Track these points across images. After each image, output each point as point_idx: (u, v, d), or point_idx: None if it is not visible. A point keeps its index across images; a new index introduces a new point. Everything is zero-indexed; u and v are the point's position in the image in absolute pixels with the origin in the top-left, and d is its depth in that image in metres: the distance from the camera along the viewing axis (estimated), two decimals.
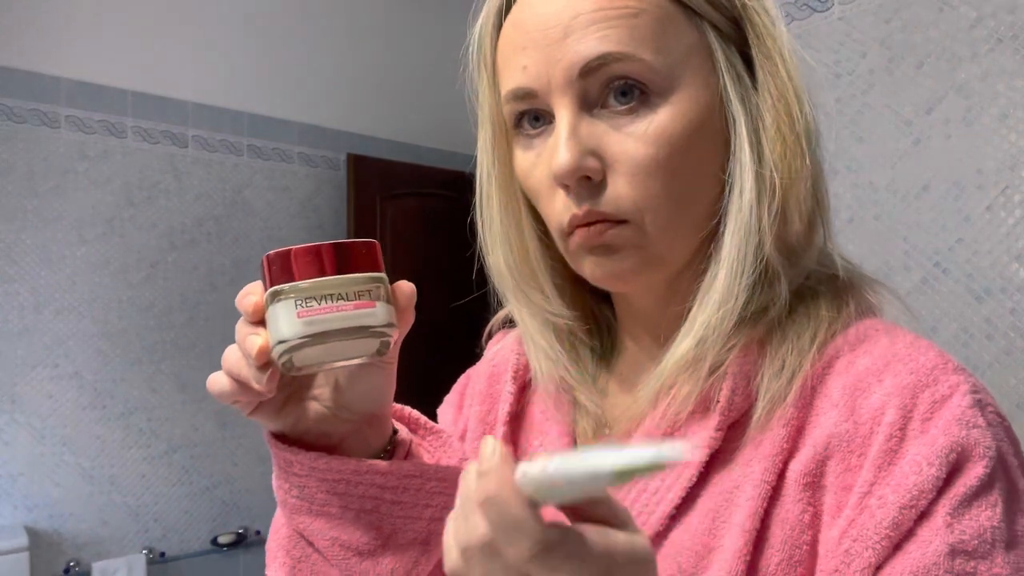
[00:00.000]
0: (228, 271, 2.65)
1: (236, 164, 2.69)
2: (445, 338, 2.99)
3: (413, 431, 0.56)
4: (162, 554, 2.42)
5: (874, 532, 0.39)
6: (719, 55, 0.47)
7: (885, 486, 0.40)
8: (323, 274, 0.40)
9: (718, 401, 0.46)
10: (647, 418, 0.49)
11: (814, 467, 0.43)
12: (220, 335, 2.61)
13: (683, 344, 0.46)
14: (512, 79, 0.48)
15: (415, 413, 0.56)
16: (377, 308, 0.41)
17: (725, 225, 0.47)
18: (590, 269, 0.49)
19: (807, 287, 0.49)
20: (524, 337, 0.56)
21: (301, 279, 0.40)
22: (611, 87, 0.45)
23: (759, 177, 0.46)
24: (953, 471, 0.40)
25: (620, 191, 0.46)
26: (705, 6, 0.47)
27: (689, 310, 0.47)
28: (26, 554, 2.00)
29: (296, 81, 2.83)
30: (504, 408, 0.58)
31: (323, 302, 0.40)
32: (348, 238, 2.87)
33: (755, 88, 0.48)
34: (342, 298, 0.40)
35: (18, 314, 2.23)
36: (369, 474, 0.48)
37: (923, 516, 0.39)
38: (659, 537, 0.46)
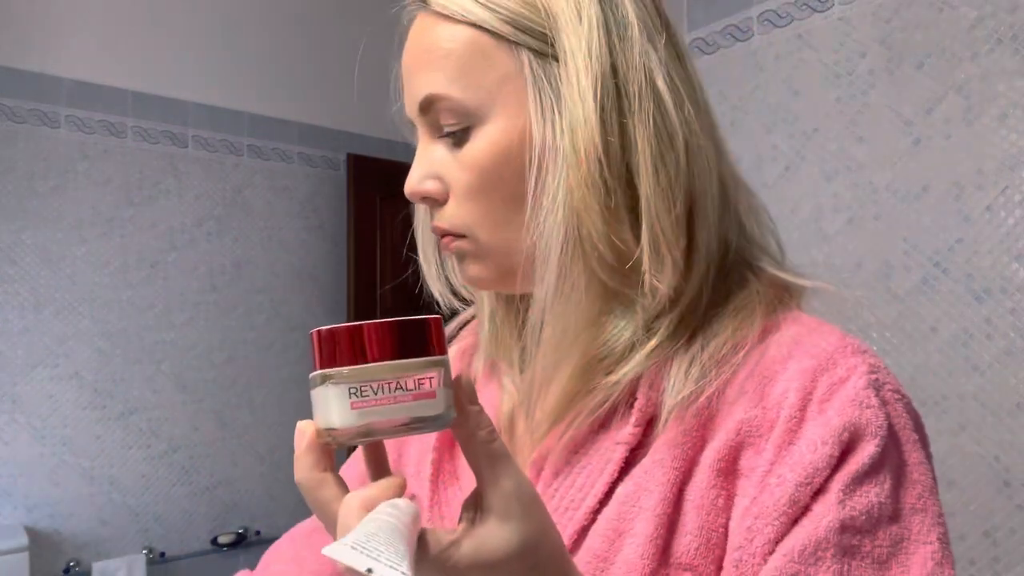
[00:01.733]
0: (228, 271, 2.65)
1: (236, 164, 2.69)
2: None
3: None
4: (162, 554, 2.42)
5: (774, 508, 0.42)
6: (529, 83, 0.48)
7: (784, 465, 0.43)
8: (380, 357, 0.36)
9: (635, 398, 0.48)
10: (573, 425, 0.50)
11: (727, 453, 0.45)
12: (220, 335, 2.62)
13: (535, 365, 0.50)
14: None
15: None
16: (438, 397, 0.37)
17: None
18: (459, 273, 0.55)
19: (721, 293, 0.51)
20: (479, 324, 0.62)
21: (356, 363, 0.36)
22: (440, 120, 0.50)
23: (555, 200, 0.47)
24: (846, 450, 0.42)
25: (452, 210, 0.51)
26: (518, 34, 0.48)
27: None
28: (26, 554, 2.00)
29: (296, 81, 2.83)
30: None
31: (379, 392, 0.36)
32: (348, 238, 2.89)
33: (561, 120, 0.49)
34: (400, 388, 0.36)
35: (18, 314, 2.23)
36: None
37: (818, 492, 0.42)
38: (584, 531, 0.47)
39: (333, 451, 0.39)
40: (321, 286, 2.88)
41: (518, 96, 0.48)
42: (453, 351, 0.66)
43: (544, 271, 0.48)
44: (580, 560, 0.46)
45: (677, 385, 0.47)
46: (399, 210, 2.97)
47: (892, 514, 0.42)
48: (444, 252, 0.55)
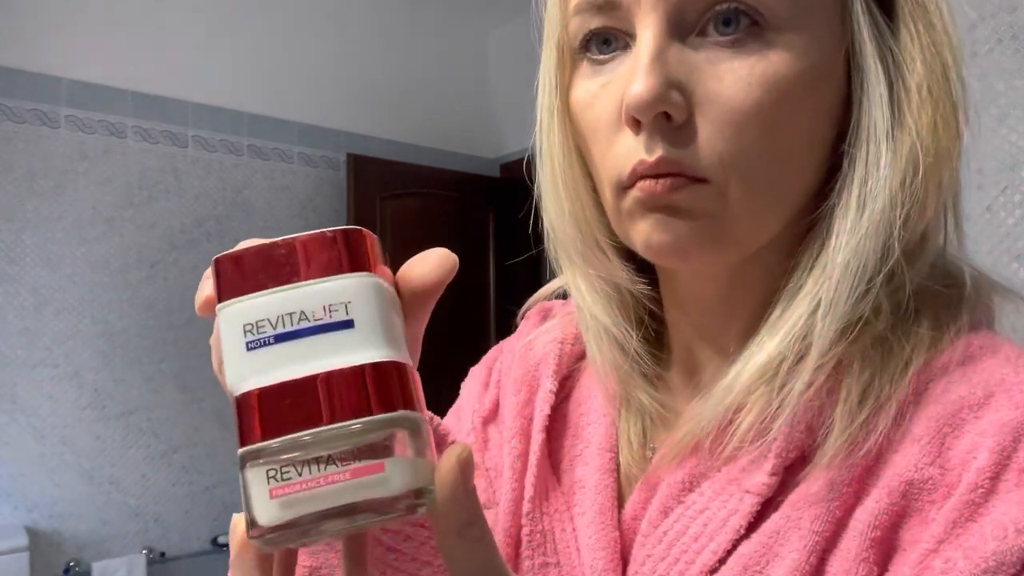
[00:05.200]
0: None
1: (236, 164, 2.69)
2: (448, 338, 2.99)
3: None
4: (162, 554, 2.42)
5: None
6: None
7: (956, 547, 0.32)
8: (312, 422, 0.25)
9: (775, 439, 0.36)
10: (698, 454, 0.40)
11: (888, 520, 0.34)
12: None
13: (758, 357, 0.37)
14: None
15: (428, 415, 0.48)
16: (387, 470, 0.25)
17: (838, 210, 0.37)
18: (645, 234, 0.38)
19: (911, 298, 0.39)
20: (580, 317, 0.46)
21: (276, 435, 0.25)
22: (714, 11, 0.36)
23: (898, 150, 0.36)
24: None
25: (706, 141, 0.36)
26: None
27: (770, 315, 0.38)
28: (26, 554, 2.00)
29: (296, 81, 2.83)
30: (544, 411, 0.48)
31: (304, 471, 0.25)
32: None
33: (896, 43, 0.38)
34: (333, 462, 0.25)
35: (18, 314, 2.23)
36: None
37: None
38: None
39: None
40: None
41: (834, 9, 0.37)
42: (555, 336, 0.51)
43: (840, 243, 0.36)
44: None
45: (842, 422, 0.35)
46: (399, 210, 2.98)
47: None
48: (644, 203, 0.37)
